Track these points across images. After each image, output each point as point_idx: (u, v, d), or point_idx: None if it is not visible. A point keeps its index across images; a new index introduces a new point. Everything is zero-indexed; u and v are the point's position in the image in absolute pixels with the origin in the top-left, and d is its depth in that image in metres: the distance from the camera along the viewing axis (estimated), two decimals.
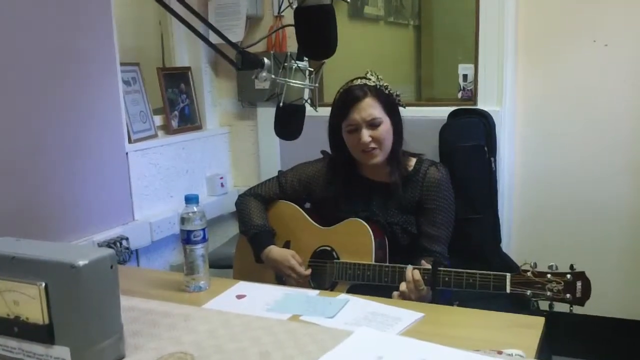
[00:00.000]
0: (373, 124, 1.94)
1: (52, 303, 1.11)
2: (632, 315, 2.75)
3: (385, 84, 2.00)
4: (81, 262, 1.07)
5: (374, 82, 1.98)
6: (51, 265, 1.09)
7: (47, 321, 1.11)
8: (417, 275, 1.75)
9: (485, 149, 2.52)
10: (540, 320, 1.46)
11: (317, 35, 1.44)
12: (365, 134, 1.93)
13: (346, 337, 1.33)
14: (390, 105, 1.99)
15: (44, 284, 1.10)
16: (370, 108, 1.94)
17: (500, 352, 1.28)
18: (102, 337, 1.14)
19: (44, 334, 1.13)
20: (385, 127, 1.96)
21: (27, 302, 1.11)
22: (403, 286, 1.75)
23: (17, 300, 1.13)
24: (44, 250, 1.14)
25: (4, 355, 1.19)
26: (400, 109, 2.03)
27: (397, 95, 2.02)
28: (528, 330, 1.42)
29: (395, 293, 1.77)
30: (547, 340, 1.44)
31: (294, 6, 1.43)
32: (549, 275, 1.61)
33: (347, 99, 1.97)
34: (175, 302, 1.61)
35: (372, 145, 1.94)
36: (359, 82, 1.99)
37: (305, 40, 1.45)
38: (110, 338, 1.15)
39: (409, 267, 1.77)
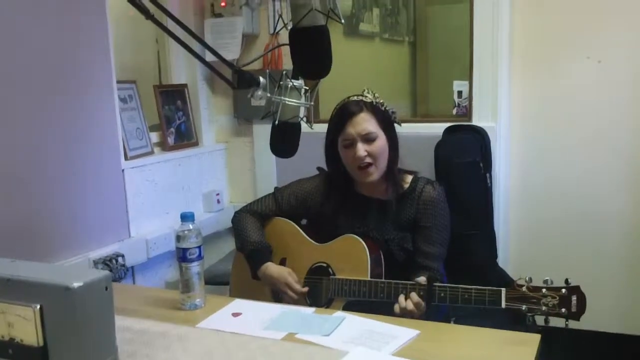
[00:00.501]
0: (368, 139, 1.95)
1: (46, 325, 1.10)
2: (629, 330, 2.75)
3: (381, 101, 2.01)
4: (76, 284, 1.07)
5: (370, 99, 2.00)
6: (46, 287, 1.09)
7: (41, 343, 1.11)
8: (410, 305, 1.75)
9: (481, 165, 2.54)
10: (536, 338, 1.46)
11: (311, 56, 1.45)
12: (361, 149, 1.94)
13: (342, 358, 1.33)
14: (386, 121, 2.00)
15: (38, 306, 1.10)
16: (366, 122, 1.95)
17: None
18: (97, 359, 1.13)
19: (39, 356, 1.12)
20: (381, 143, 1.97)
21: (22, 324, 1.11)
22: (402, 301, 1.76)
23: (11, 322, 1.12)
24: (39, 271, 1.14)
25: None
26: (396, 126, 2.04)
27: (392, 112, 2.03)
28: (524, 347, 1.42)
29: (396, 306, 1.78)
30: (543, 356, 1.44)
31: (289, 27, 1.45)
32: (544, 290, 1.62)
33: (343, 114, 1.98)
34: (171, 320, 1.61)
35: (367, 160, 1.95)
36: (355, 98, 2.01)
37: (300, 60, 1.47)
38: None
39: (401, 298, 1.78)
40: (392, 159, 2.02)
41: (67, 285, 1.06)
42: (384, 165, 1.99)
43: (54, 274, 1.14)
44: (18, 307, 1.11)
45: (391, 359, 1.37)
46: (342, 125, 1.97)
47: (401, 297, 1.78)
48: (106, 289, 1.12)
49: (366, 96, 2.00)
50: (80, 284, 1.07)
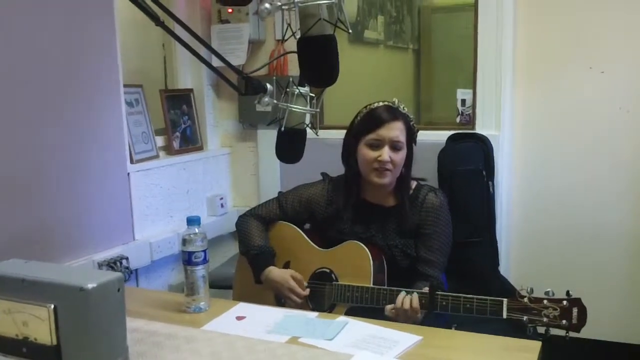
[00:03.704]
0: (396, 147, 1.98)
1: (60, 324, 1.12)
2: (630, 340, 2.77)
3: (412, 117, 2.05)
4: (90, 285, 1.09)
5: (403, 110, 2.03)
6: (60, 288, 1.11)
7: (55, 342, 1.13)
8: (407, 304, 1.77)
9: (484, 173, 2.56)
10: (537, 345, 1.47)
11: (319, 65, 1.48)
12: (387, 152, 1.96)
13: None
14: (410, 137, 2.04)
15: (53, 306, 1.12)
16: (398, 131, 1.98)
17: None
18: (108, 358, 1.15)
19: (52, 355, 1.15)
20: (403, 155, 2.00)
21: (37, 323, 1.13)
22: (399, 300, 1.79)
23: (26, 321, 1.15)
24: (53, 272, 1.16)
25: None
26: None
27: (417, 130, 2.07)
28: (525, 354, 1.43)
29: (387, 307, 1.80)
30: None
31: (297, 36, 1.47)
32: (545, 301, 1.63)
33: (379, 116, 2.00)
34: (176, 322, 1.63)
35: (388, 166, 1.97)
36: (392, 105, 2.03)
37: (308, 68, 1.49)
38: (116, 359, 1.17)
39: (401, 295, 1.80)
40: (407, 172, 2.05)
41: (82, 286, 1.08)
42: (397, 175, 2.02)
43: (67, 274, 1.16)
44: (33, 306, 1.13)
45: None
46: (375, 125, 1.99)
47: (400, 297, 1.80)
48: (118, 290, 1.15)
49: (398, 106, 2.03)
50: (94, 285, 1.10)
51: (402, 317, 1.78)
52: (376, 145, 1.98)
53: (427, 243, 2.01)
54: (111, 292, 1.13)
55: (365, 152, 2.00)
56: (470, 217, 2.50)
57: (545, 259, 2.85)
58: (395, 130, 1.98)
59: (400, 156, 1.99)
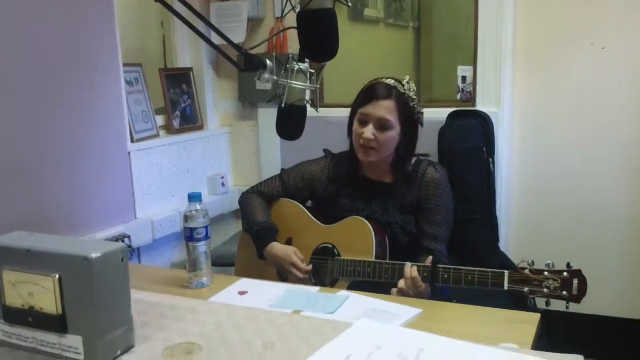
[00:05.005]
0: (382, 126, 1.96)
1: (65, 294, 1.14)
2: (628, 314, 2.79)
3: (413, 96, 2.01)
4: (94, 255, 1.11)
5: (403, 90, 1.99)
6: (65, 258, 1.13)
7: (60, 311, 1.15)
8: (415, 272, 1.78)
9: (484, 150, 2.56)
10: (536, 316, 1.49)
11: (319, 38, 1.48)
12: (370, 130, 1.95)
13: (347, 328, 1.37)
14: (408, 117, 2.00)
15: (57, 276, 1.14)
16: (386, 110, 1.95)
17: None
18: (112, 327, 1.17)
19: (57, 324, 1.17)
20: (392, 134, 1.97)
21: (42, 293, 1.15)
22: (401, 283, 1.79)
23: (31, 291, 1.16)
24: (57, 243, 1.17)
25: (18, 344, 1.23)
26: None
27: (419, 112, 2.03)
28: (523, 325, 1.45)
29: (393, 290, 1.81)
30: (543, 340, 1.47)
31: (297, 10, 1.47)
32: (545, 273, 1.64)
33: (371, 92, 1.99)
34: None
35: (372, 144, 1.97)
36: (391, 82, 2.00)
37: (307, 42, 1.49)
38: (121, 328, 1.19)
39: (407, 264, 1.81)
40: (403, 152, 2.02)
41: (86, 256, 1.10)
42: (387, 154, 2.01)
43: (71, 245, 1.17)
44: (38, 276, 1.15)
45: (395, 328, 1.40)
46: (365, 100, 1.98)
47: (407, 267, 1.80)
48: (122, 260, 1.16)
49: (402, 84, 2.00)
50: (98, 254, 1.11)
51: (412, 290, 1.78)
52: (363, 121, 1.98)
53: (430, 217, 2.01)
54: (115, 262, 1.15)
55: (355, 127, 2.01)
56: (470, 193, 2.50)
57: (545, 235, 2.86)
58: (382, 110, 1.95)
59: (386, 135, 1.96)
